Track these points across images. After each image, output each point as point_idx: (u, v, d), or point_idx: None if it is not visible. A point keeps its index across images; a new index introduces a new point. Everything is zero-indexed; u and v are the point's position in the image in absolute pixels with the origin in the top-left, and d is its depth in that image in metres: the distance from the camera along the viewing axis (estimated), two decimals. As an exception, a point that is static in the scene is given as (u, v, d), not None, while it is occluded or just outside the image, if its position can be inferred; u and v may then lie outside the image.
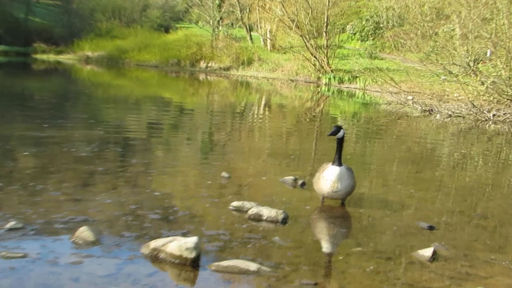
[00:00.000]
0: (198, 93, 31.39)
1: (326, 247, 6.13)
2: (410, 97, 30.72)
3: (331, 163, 7.60)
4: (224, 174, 8.98)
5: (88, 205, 6.82)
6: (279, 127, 17.28)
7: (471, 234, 6.89)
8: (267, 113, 22.37)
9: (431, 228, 7.00)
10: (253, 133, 15.33)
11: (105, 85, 32.00)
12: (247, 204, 7.25)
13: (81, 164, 8.99)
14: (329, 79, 46.05)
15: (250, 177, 9.16)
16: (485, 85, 25.98)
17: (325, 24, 47.95)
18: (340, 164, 7.48)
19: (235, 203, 7.26)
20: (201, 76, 47.51)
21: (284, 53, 52.65)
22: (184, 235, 6.00)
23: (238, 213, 6.99)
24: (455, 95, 28.62)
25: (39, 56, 59.88)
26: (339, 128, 7.58)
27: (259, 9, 56.72)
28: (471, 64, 27.98)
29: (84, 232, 5.66)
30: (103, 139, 11.70)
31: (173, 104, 23.30)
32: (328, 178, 7.50)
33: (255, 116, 20.42)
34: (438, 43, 32.93)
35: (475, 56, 28.69)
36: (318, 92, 38.79)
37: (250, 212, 6.93)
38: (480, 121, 23.29)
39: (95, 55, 59.48)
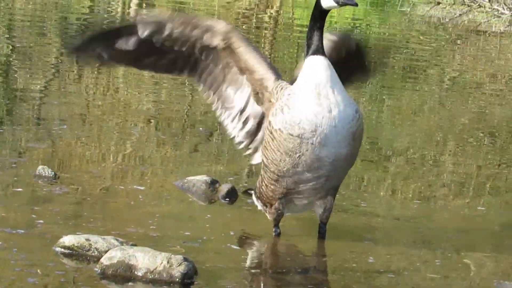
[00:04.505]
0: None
1: None
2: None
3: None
4: (43, 170, 5.29)
5: None
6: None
7: None
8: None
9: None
10: (110, 72, 8.97)
11: None
12: (98, 241, 4.10)
13: None
14: None
15: (104, 178, 5.56)
16: None
17: None
18: (324, 54, 4.52)
19: (68, 239, 4.13)
20: None
21: None
22: None
23: (77, 263, 4.06)
24: None
25: None
26: None
27: None
28: None
29: None
30: None
31: None
32: (308, 83, 4.42)
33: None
34: None
35: None
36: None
37: (105, 260, 3.92)
38: None
39: None
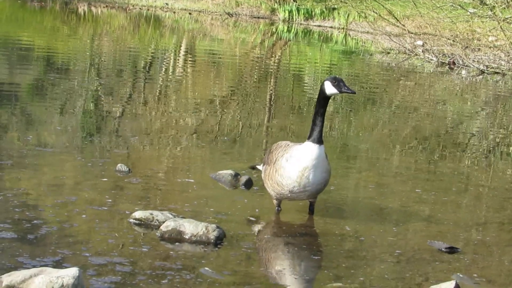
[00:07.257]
0: (75, 35, 16.88)
1: (285, 284, 3.43)
2: (419, 42, 17.02)
3: (288, 142, 4.50)
4: (121, 166, 5.17)
5: None
6: (208, 91, 9.76)
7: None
8: (189, 68, 12.55)
9: (451, 250, 4.05)
10: (166, 101, 8.88)
11: None
12: (158, 215, 4.05)
13: None
14: (290, 12, 24.30)
15: (163, 172, 5.37)
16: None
17: None
18: (321, 142, 4.21)
19: (138, 214, 4.08)
20: (82, 8, 24.69)
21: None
22: (57, 264, 3.25)
23: (144, 230, 3.97)
24: (491, 39, 15.65)
25: None
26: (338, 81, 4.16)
27: None
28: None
29: None
30: None
31: (35, 53, 12.31)
32: (298, 163, 4.17)
33: (170, 73, 11.43)
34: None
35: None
36: (272, 34, 21.89)
37: (163, 227, 3.87)
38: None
39: None
